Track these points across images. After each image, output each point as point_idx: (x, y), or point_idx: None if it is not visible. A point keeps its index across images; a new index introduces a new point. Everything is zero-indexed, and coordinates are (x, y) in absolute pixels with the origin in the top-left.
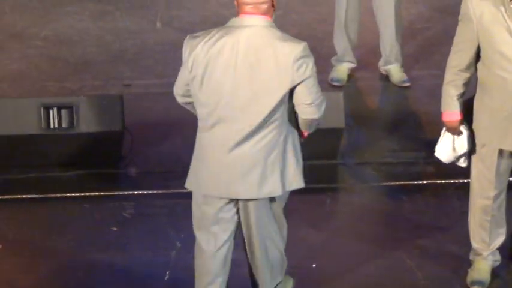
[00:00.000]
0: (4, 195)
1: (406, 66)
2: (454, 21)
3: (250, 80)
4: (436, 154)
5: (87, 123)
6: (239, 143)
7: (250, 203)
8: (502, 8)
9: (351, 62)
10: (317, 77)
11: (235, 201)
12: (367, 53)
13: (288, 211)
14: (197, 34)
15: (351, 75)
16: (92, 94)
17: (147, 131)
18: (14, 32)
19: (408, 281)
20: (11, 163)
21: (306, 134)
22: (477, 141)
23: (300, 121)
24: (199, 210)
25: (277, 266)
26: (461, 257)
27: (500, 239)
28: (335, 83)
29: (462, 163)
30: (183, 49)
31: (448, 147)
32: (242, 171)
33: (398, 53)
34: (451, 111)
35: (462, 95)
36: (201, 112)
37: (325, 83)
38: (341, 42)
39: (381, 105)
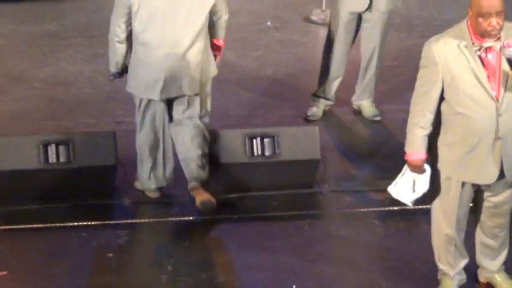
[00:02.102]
0: (7, 226)
1: (377, 101)
2: (419, 60)
3: (187, 1)
4: (394, 194)
5: (83, 158)
6: (186, 51)
7: (193, 96)
8: (466, 51)
9: (329, 100)
10: (295, 113)
11: (179, 99)
12: (341, 89)
13: (268, 237)
14: None
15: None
16: (87, 131)
17: None
18: (14, 75)
19: None
20: (13, 196)
21: (222, 42)
22: (442, 175)
23: (221, 24)
24: (150, 113)
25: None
26: (430, 277)
27: (464, 262)
28: (310, 118)
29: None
30: None
31: (408, 188)
32: (190, 72)
33: (372, 87)
34: (416, 151)
35: (427, 135)
36: (145, 35)
37: (301, 118)
38: (322, 83)
39: (354, 137)
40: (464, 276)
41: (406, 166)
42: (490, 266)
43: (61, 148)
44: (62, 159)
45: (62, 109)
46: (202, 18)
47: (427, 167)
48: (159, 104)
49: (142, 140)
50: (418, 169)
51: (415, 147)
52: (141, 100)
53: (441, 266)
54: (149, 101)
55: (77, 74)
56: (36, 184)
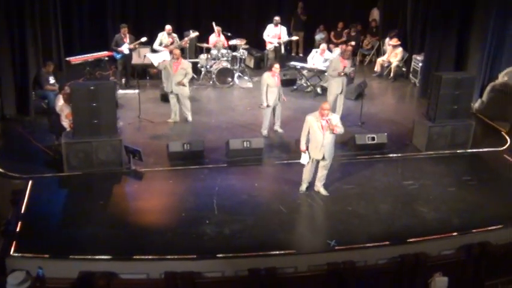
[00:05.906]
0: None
1: (286, 128)
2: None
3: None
4: (301, 161)
5: None
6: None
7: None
8: (317, 120)
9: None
10: None
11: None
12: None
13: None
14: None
15: None
16: None
17: None
18: None
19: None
20: None
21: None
22: (311, 157)
23: (188, 76)
24: (173, 96)
25: None
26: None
27: (309, 180)
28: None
29: (305, 163)
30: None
31: (303, 159)
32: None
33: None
34: (303, 147)
35: (306, 143)
36: (166, 74)
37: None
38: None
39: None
40: (307, 186)
41: (302, 153)
42: (318, 184)
43: None
44: None
45: None
46: (183, 73)
47: (307, 152)
48: (174, 94)
49: (173, 104)
50: (303, 152)
51: (302, 146)
52: (171, 92)
53: (303, 180)
54: (172, 92)
55: None
56: None
